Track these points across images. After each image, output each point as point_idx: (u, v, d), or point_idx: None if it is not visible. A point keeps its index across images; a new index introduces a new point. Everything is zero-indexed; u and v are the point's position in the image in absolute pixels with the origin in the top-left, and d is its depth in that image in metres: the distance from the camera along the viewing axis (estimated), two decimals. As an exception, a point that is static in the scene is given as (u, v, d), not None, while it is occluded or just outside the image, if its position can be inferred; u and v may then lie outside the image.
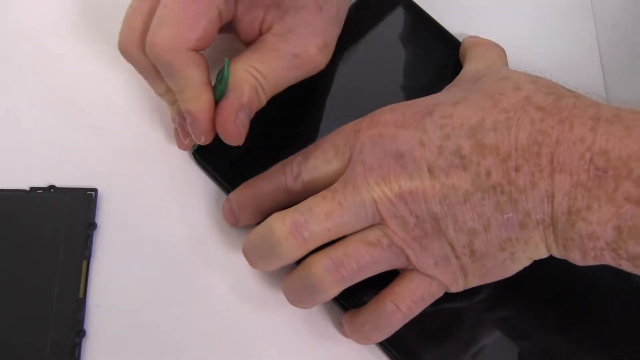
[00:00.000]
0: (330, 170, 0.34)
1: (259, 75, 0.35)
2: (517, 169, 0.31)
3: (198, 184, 0.40)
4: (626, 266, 0.31)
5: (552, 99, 0.32)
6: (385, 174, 0.32)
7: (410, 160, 0.32)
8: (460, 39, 0.42)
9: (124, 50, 0.36)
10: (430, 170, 0.32)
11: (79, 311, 0.36)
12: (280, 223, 0.33)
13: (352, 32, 0.42)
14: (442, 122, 0.32)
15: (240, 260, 0.38)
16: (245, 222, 0.37)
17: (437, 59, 0.42)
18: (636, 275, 0.31)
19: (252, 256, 0.35)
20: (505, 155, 0.31)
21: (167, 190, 0.40)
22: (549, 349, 0.37)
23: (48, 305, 0.36)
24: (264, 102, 0.36)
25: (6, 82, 0.41)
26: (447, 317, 0.37)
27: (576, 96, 0.32)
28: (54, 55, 0.42)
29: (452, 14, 0.43)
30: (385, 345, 0.36)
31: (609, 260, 0.31)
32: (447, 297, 0.34)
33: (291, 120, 0.40)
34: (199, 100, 0.34)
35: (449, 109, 0.33)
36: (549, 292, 0.38)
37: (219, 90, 0.35)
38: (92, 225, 0.38)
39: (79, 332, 0.36)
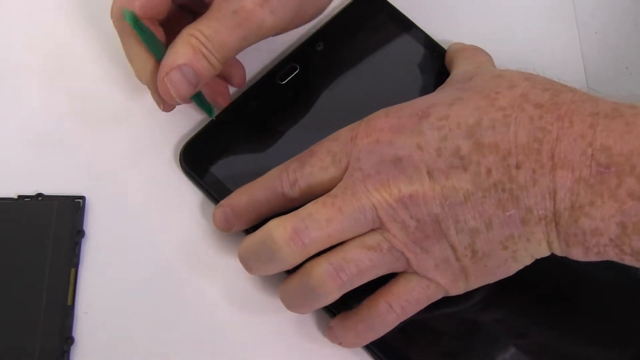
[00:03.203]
0: (327, 177, 0.34)
1: (201, 37, 0.34)
2: (517, 166, 0.31)
3: (186, 191, 0.40)
4: (629, 261, 0.31)
5: (549, 95, 0.32)
6: (384, 180, 0.32)
7: (409, 165, 0.32)
8: (443, 45, 0.42)
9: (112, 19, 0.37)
10: (429, 173, 0.32)
11: (67, 318, 0.37)
12: (281, 229, 0.33)
13: (336, 39, 0.42)
14: (439, 124, 0.32)
15: (229, 265, 0.38)
16: (239, 228, 0.37)
17: (422, 66, 0.42)
18: (636, 268, 0.31)
19: (250, 261, 0.35)
20: (505, 152, 0.31)
21: (155, 197, 0.40)
22: (546, 346, 0.37)
23: (36, 313, 0.36)
24: (215, 63, 0.35)
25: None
26: (440, 320, 0.37)
27: (573, 91, 0.32)
28: (41, 65, 0.42)
29: (435, 20, 0.43)
30: (374, 351, 0.36)
31: (612, 255, 0.31)
32: (441, 299, 0.34)
33: (276, 127, 0.40)
34: (143, 71, 0.36)
35: (445, 110, 0.33)
36: (544, 288, 0.37)
37: (157, 54, 0.36)
38: (80, 233, 0.38)
39: (68, 340, 0.36)
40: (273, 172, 0.36)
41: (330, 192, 0.33)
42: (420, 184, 0.32)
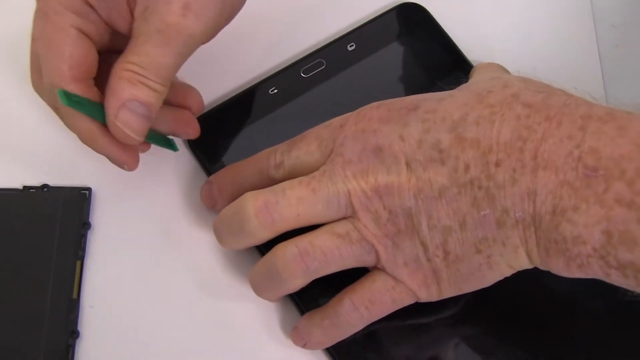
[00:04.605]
0: (312, 161, 0.34)
1: (133, 67, 0.32)
2: (497, 164, 0.30)
3: (194, 183, 0.40)
4: (615, 277, 0.29)
5: (541, 96, 0.31)
6: (364, 168, 0.32)
7: (389, 154, 0.32)
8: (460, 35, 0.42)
9: (38, 93, 0.36)
10: (408, 164, 0.31)
11: (73, 312, 0.36)
12: (253, 200, 0.33)
13: (370, 42, 0.42)
14: (424, 117, 0.32)
15: (237, 258, 0.38)
16: (223, 206, 0.36)
17: (450, 82, 0.38)
18: (624, 290, 0.29)
19: (221, 232, 0.35)
20: (486, 149, 0.30)
21: (162, 190, 0.39)
22: None
23: (41, 306, 0.36)
24: (158, 88, 0.33)
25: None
26: (410, 332, 0.36)
27: (568, 95, 0.31)
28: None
29: (451, 12, 0.43)
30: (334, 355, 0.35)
31: (596, 269, 0.29)
32: (413, 312, 0.34)
33: (290, 116, 0.40)
34: (93, 140, 0.34)
35: (433, 105, 0.32)
36: (522, 311, 0.36)
37: (102, 119, 0.33)
38: (86, 225, 0.38)
39: (73, 333, 0.36)
40: (263, 153, 0.36)
41: (310, 174, 0.33)
42: (397, 174, 0.31)
